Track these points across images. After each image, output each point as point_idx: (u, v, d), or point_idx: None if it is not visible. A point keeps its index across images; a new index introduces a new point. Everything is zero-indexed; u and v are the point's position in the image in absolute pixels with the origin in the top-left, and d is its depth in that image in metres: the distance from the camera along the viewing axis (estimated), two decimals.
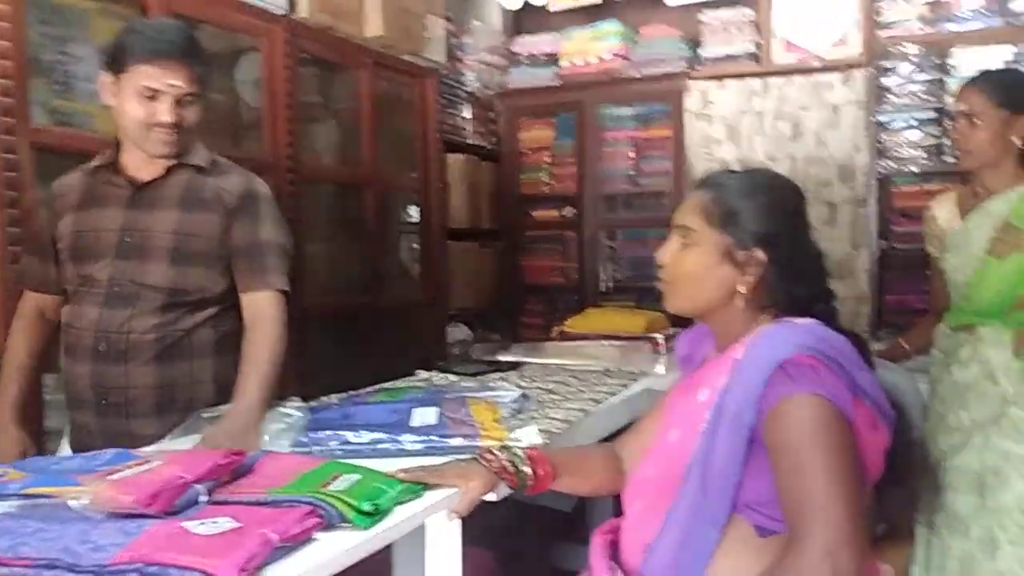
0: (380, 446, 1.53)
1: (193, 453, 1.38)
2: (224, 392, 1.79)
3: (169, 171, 1.83)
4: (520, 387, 2.17)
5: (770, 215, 1.34)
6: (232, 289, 1.86)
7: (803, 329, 1.25)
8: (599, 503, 2.44)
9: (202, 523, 1.14)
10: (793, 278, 1.33)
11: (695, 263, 1.34)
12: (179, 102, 1.77)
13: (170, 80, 1.74)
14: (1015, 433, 2.02)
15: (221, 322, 1.87)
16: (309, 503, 1.22)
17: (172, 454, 1.39)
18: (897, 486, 1.35)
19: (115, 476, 1.24)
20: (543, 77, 4.38)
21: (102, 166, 1.85)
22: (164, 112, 1.75)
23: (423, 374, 2.43)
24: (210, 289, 1.83)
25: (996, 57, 3.43)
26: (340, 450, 1.52)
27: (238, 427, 1.62)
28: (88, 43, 2.40)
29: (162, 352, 1.78)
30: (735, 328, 1.34)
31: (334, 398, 2.02)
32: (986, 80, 2.11)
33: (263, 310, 1.82)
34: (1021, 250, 2.05)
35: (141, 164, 1.84)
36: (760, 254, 1.31)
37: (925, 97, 3.58)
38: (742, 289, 1.32)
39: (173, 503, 1.19)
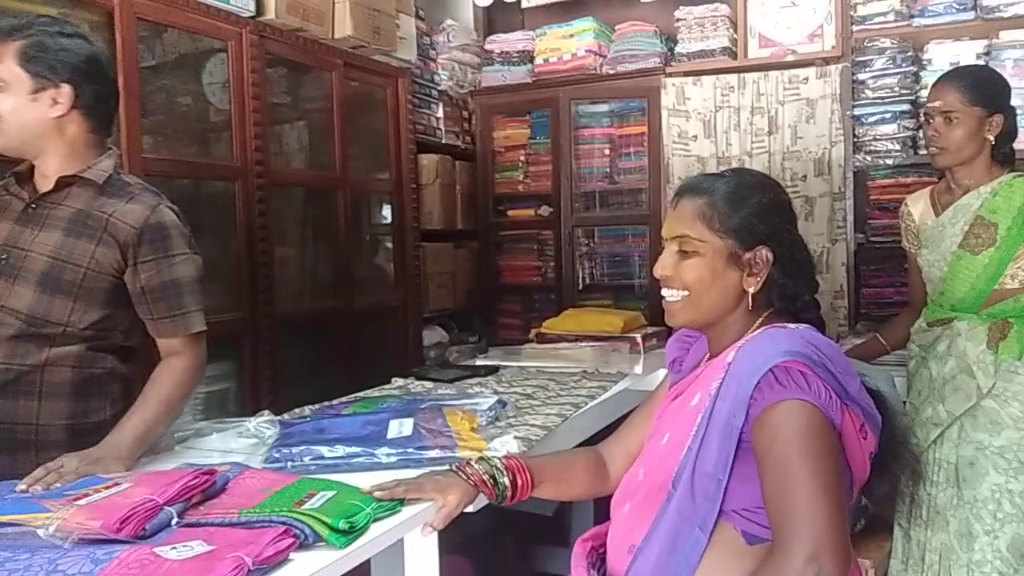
0: (355, 460, 1.50)
1: (164, 474, 1.35)
2: (81, 439, 1.57)
3: (63, 185, 1.64)
4: (497, 393, 2.15)
5: (770, 213, 1.34)
6: (113, 329, 1.67)
7: (794, 335, 1.25)
8: (581, 507, 2.43)
9: (174, 547, 1.11)
10: (794, 272, 1.34)
11: (703, 271, 1.32)
12: None
13: None
14: (990, 425, 2.04)
15: (87, 363, 1.63)
16: (283, 523, 1.19)
17: (142, 475, 1.35)
18: (879, 482, 1.35)
19: (83, 501, 1.21)
20: (517, 75, 4.35)
21: (16, 173, 1.71)
22: None
23: (399, 381, 2.40)
24: (74, 325, 1.61)
25: (969, 51, 3.45)
26: (314, 465, 1.49)
27: (96, 457, 1.47)
28: None
29: (3, 386, 1.58)
30: (731, 332, 1.34)
31: (307, 410, 1.98)
32: (961, 78, 2.12)
33: (176, 358, 1.66)
34: (995, 245, 2.06)
35: (39, 175, 1.67)
36: (766, 252, 1.31)
37: (900, 91, 3.59)
38: (751, 289, 1.32)
39: (144, 527, 1.16)
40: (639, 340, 2.79)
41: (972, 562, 2.02)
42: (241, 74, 2.85)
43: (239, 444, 1.67)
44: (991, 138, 2.09)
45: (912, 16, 3.57)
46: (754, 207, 1.32)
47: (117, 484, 1.27)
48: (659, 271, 1.37)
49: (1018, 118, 2.18)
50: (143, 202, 1.66)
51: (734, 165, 3.78)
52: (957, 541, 2.06)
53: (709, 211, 1.32)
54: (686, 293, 1.34)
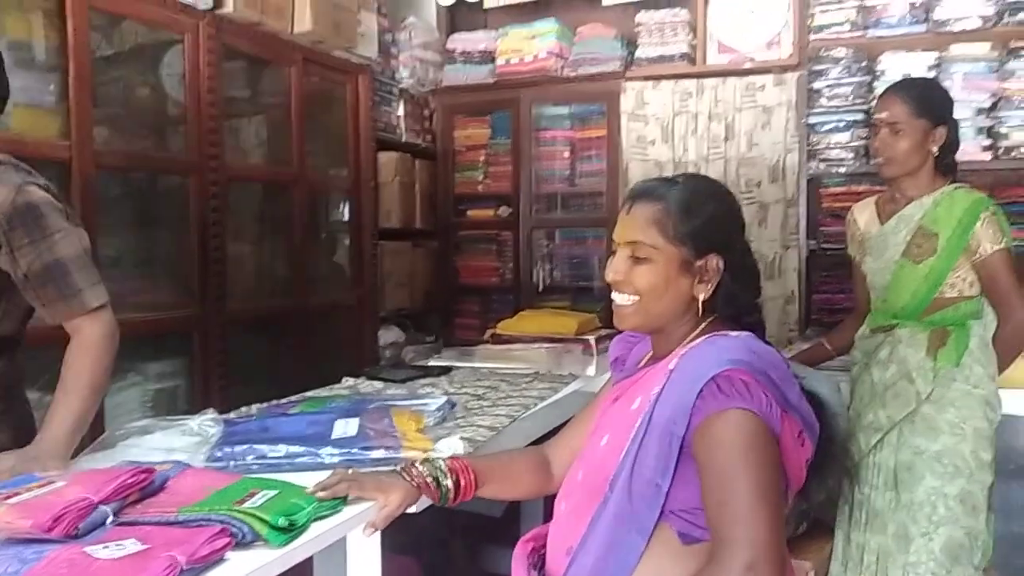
0: (299, 460, 1.50)
1: (100, 472, 1.33)
2: None
3: None
4: (448, 393, 2.15)
5: (721, 221, 1.35)
6: None
7: (737, 343, 1.26)
8: (529, 507, 2.44)
9: (106, 547, 1.10)
10: (743, 278, 1.36)
11: (655, 278, 1.32)
12: None
13: None
14: (927, 430, 2.09)
15: None
16: (220, 521, 1.19)
17: (78, 474, 1.34)
18: (818, 487, 1.37)
19: (14, 500, 1.19)
20: (479, 75, 4.35)
21: None
22: None
23: (349, 381, 2.39)
24: None
25: (921, 63, 3.52)
26: (256, 464, 1.49)
27: (33, 455, 1.46)
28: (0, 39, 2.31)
29: None
30: (676, 336, 1.36)
31: (254, 408, 1.97)
32: (907, 90, 2.16)
33: (83, 335, 1.58)
34: (935, 254, 2.11)
35: None
36: (717, 260, 1.33)
37: (854, 100, 3.66)
38: (701, 296, 1.33)
39: (76, 526, 1.15)
40: (592, 342, 2.81)
41: (908, 563, 2.07)
42: (197, 67, 2.81)
43: (182, 442, 1.65)
44: (935, 150, 2.14)
45: (867, 27, 3.64)
46: (707, 215, 1.33)
47: (51, 482, 1.25)
48: (611, 275, 1.37)
49: (960, 131, 2.23)
50: (6, 183, 1.54)
51: (690, 170, 3.82)
52: (894, 543, 2.10)
53: (663, 218, 1.33)
54: (637, 298, 1.34)
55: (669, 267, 1.32)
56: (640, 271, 1.34)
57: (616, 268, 1.36)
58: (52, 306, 1.58)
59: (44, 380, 1.89)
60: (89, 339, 1.58)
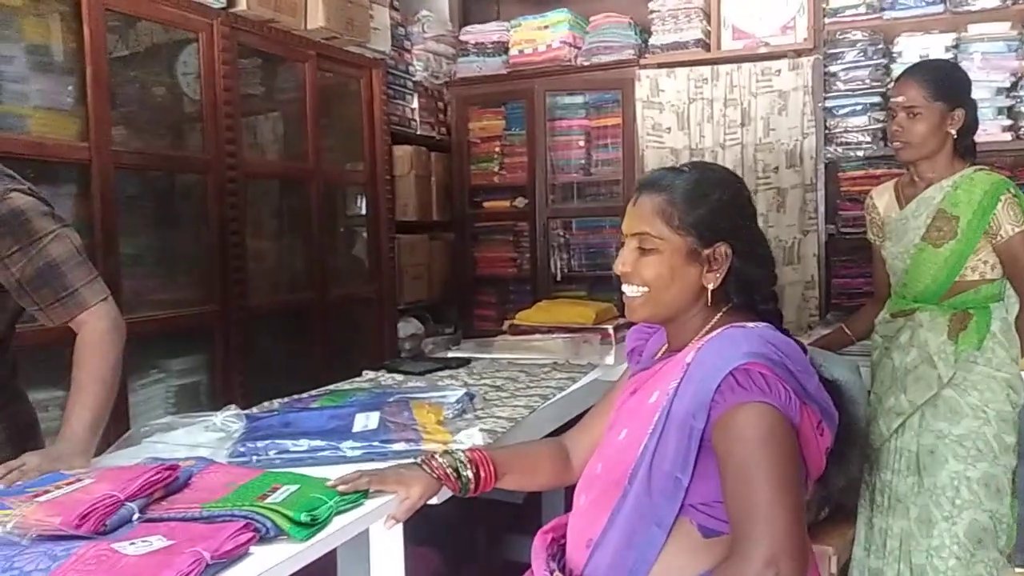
0: (320, 454, 1.51)
1: (126, 469, 1.35)
2: None
3: None
4: (468, 385, 2.16)
5: (728, 209, 1.34)
6: None
7: (754, 334, 1.26)
8: (550, 494, 2.45)
9: (133, 543, 1.12)
10: (754, 266, 1.35)
11: (662, 268, 1.32)
12: None
13: None
14: (949, 414, 2.08)
15: None
16: (244, 517, 1.20)
17: (104, 471, 1.36)
18: (838, 473, 1.37)
19: (43, 497, 1.21)
20: (492, 66, 4.35)
21: None
22: None
23: (370, 374, 2.41)
24: None
25: (938, 44, 3.48)
26: (279, 459, 1.50)
27: (57, 455, 1.46)
28: (18, 43, 2.34)
29: None
30: (691, 327, 1.35)
31: (276, 403, 1.99)
32: (923, 73, 2.14)
33: (87, 332, 1.59)
34: (955, 237, 2.09)
35: None
36: (725, 248, 1.32)
37: (870, 83, 3.63)
38: (710, 285, 1.32)
39: (104, 523, 1.16)
40: (610, 331, 2.80)
41: (931, 548, 2.07)
42: (212, 66, 2.84)
43: (205, 438, 1.67)
44: (953, 132, 2.12)
45: (883, 9, 3.60)
46: (713, 204, 1.33)
47: (79, 480, 1.27)
48: (619, 268, 1.37)
49: (979, 111, 2.21)
50: None
51: (707, 157, 3.81)
52: (917, 527, 2.10)
53: (668, 208, 1.32)
54: (646, 289, 1.34)
55: (676, 257, 1.32)
56: (647, 262, 1.33)
57: (624, 260, 1.36)
58: (51, 309, 1.58)
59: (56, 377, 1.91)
60: (94, 335, 1.59)
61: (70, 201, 2.49)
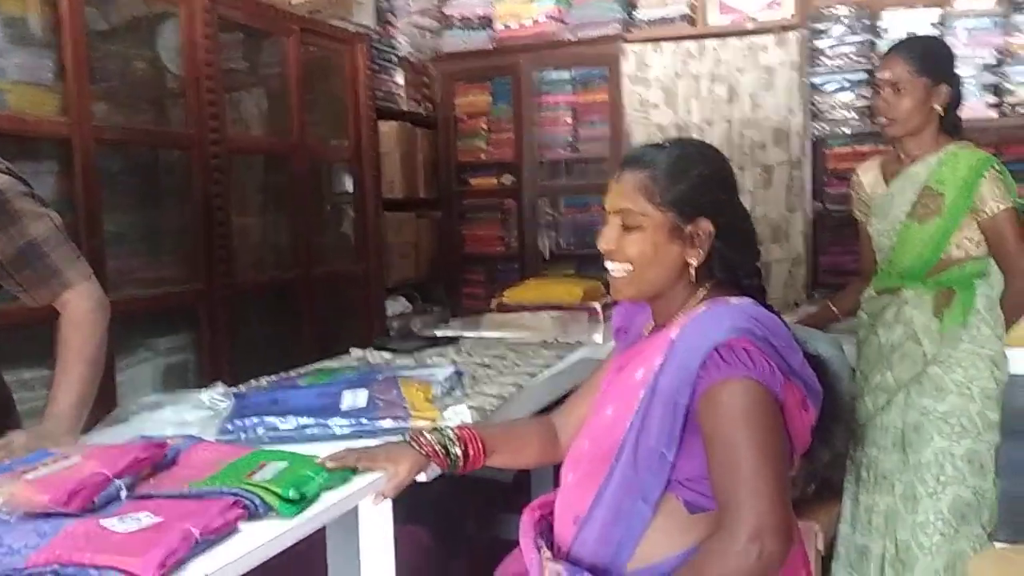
0: (308, 431, 1.51)
1: (114, 447, 1.35)
2: None
3: None
4: (456, 362, 2.17)
5: (710, 185, 1.34)
6: None
7: (737, 310, 1.26)
8: (540, 472, 2.46)
9: (122, 520, 1.12)
10: (736, 242, 1.35)
11: (645, 245, 1.32)
12: None
13: None
14: (935, 391, 2.10)
15: None
16: (233, 494, 1.20)
17: (92, 448, 1.35)
18: (823, 449, 1.38)
19: (31, 475, 1.20)
20: (478, 40, 4.31)
21: None
22: None
23: (357, 352, 2.41)
24: None
25: (924, 20, 3.48)
26: (268, 436, 1.50)
27: (43, 433, 1.47)
28: None
29: None
30: (675, 303, 1.35)
31: (264, 381, 1.98)
32: (909, 49, 2.14)
33: (70, 311, 1.59)
34: (940, 214, 2.10)
35: None
36: (707, 224, 1.32)
37: (856, 59, 3.63)
38: (693, 262, 1.32)
39: (92, 500, 1.17)
40: (598, 309, 2.81)
41: (916, 523, 2.09)
42: (193, 40, 2.80)
43: (193, 416, 1.66)
44: (938, 108, 2.12)
45: None
46: (694, 179, 1.32)
47: (67, 457, 1.27)
48: (603, 245, 1.37)
49: (964, 87, 2.21)
50: None
51: (694, 134, 3.80)
52: (902, 504, 2.12)
53: (650, 184, 1.32)
54: (629, 267, 1.34)
55: (658, 234, 1.32)
56: (630, 239, 1.33)
57: (607, 237, 1.36)
58: (34, 289, 1.58)
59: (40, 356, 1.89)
60: (78, 314, 1.58)
61: (52, 178, 2.46)
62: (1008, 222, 2.07)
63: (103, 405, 1.65)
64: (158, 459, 1.31)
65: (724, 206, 1.35)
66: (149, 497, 1.22)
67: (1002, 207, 2.06)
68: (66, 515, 1.12)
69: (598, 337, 2.58)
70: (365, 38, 3.67)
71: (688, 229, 1.32)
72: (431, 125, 4.39)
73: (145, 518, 1.12)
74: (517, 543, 1.42)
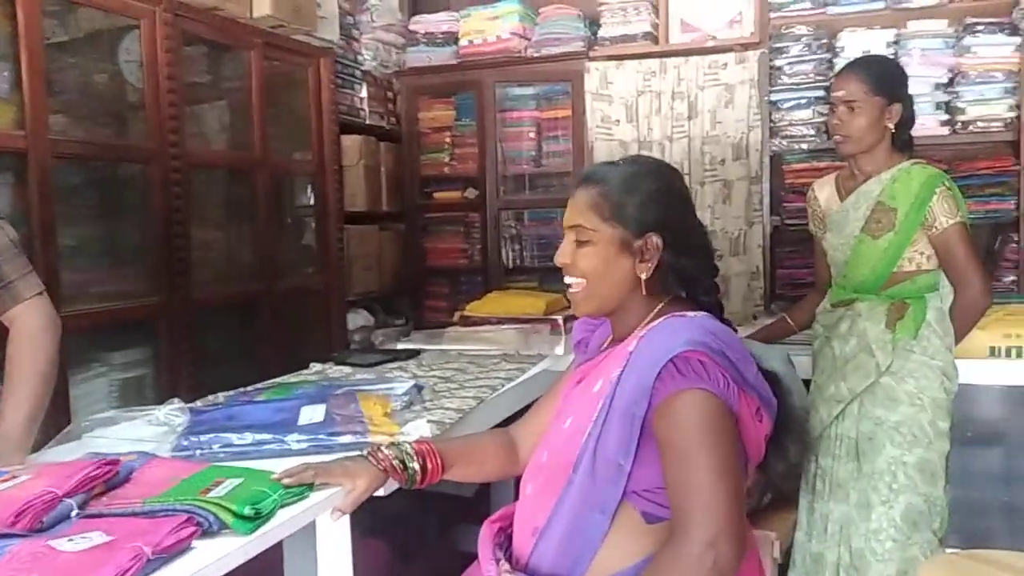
0: (265, 447, 1.50)
1: (65, 465, 1.32)
2: None
3: None
4: (417, 376, 2.16)
5: (658, 200, 1.37)
6: None
7: (694, 324, 1.29)
8: (500, 486, 2.46)
9: (71, 539, 1.10)
10: (689, 257, 1.38)
11: (596, 259, 1.36)
12: None
13: None
14: (887, 401, 2.14)
15: None
16: (186, 511, 1.19)
17: (42, 466, 1.33)
18: (777, 459, 1.41)
19: None
20: (442, 56, 4.33)
21: None
22: None
23: (317, 366, 2.39)
24: None
25: (879, 40, 3.57)
26: (223, 452, 1.49)
27: None
28: None
29: None
30: (632, 317, 1.38)
31: (221, 396, 1.96)
32: (863, 68, 2.19)
33: (21, 326, 1.58)
34: (894, 229, 2.15)
35: None
36: (655, 239, 1.35)
37: (814, 77, 3.70)
38: (643, 275, 1.35)
39: (41, 520, 1.14)
40: (560, 322, 2.82)
41: (870, 531, 2.12)
42: (155, 54, 2.78)
43: (148, 432, 1.64)
44: (891, 126, 2.17)
45: (827, 4, 3.68)
46: (644, 195, 1.36)
47: (15, 477, 1.25)
48: (558, 259, 1.42)
49: (917, 106, 2.27)
50: None
51: (655, 150, 3.84)
52: (856, 511, 2.15)
53: (601, 200, 1.36)
54: (583, 281, 1.38)
55: (608, 248, 1.35)
56: (582, 254, 1.37)
57: (563, 252, 1.41)
58: None
59: None
60: (28, 329, 1.57)
61: (7, 191, 2.42)
62: (958, 236, 2.12)
63: (57, 421, 1.63)
64: (110, 476, 1.28)
65: (675, 221, 1.38)
66: (101, 516, 1.20)
67: (952, 222, 2.11)
68: (13, 535, 1.11)
69: (559, 349, 2.59)
70: (329, 53, 3.67)
71: (637, 244, 1.35)
72: (395, 139, 4.39)
73: (96, 537, 1.11)
74: (477, 556, 1.42)
